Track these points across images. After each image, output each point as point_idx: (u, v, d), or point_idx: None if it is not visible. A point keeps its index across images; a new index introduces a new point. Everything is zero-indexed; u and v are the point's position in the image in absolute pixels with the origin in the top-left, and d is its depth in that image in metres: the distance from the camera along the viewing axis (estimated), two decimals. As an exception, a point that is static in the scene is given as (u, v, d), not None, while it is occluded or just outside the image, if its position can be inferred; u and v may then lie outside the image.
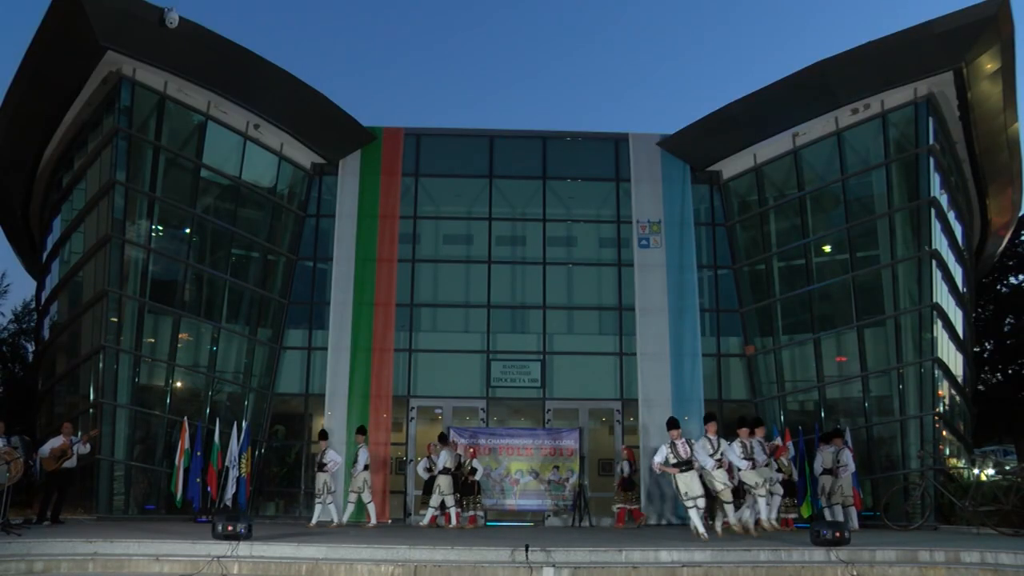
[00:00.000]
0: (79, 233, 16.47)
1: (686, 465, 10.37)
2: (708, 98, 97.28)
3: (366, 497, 13.62)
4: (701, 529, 10.09)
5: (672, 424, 10.99)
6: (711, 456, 10.60)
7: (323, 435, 14.18)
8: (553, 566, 8.30)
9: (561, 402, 17.03)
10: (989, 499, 12.43)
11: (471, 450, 14.68)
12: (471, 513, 14.18)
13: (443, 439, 14.42)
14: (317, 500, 13.48)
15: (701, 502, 10.24)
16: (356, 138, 17.53)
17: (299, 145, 17.32)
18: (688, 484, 10.40)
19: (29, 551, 8.75)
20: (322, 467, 13.42)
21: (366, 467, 13.70)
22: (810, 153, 16.74)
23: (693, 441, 10.67)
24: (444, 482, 13.56)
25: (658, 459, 10.77)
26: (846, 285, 15.96)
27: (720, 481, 10.62)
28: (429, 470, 14.16)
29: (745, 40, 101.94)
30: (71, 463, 12.56)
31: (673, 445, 10.68)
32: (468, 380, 17.05)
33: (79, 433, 13.16)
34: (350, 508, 13.97)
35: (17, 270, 43.82)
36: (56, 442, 12.41)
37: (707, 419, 11.23)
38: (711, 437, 10.79)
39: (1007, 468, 15.69)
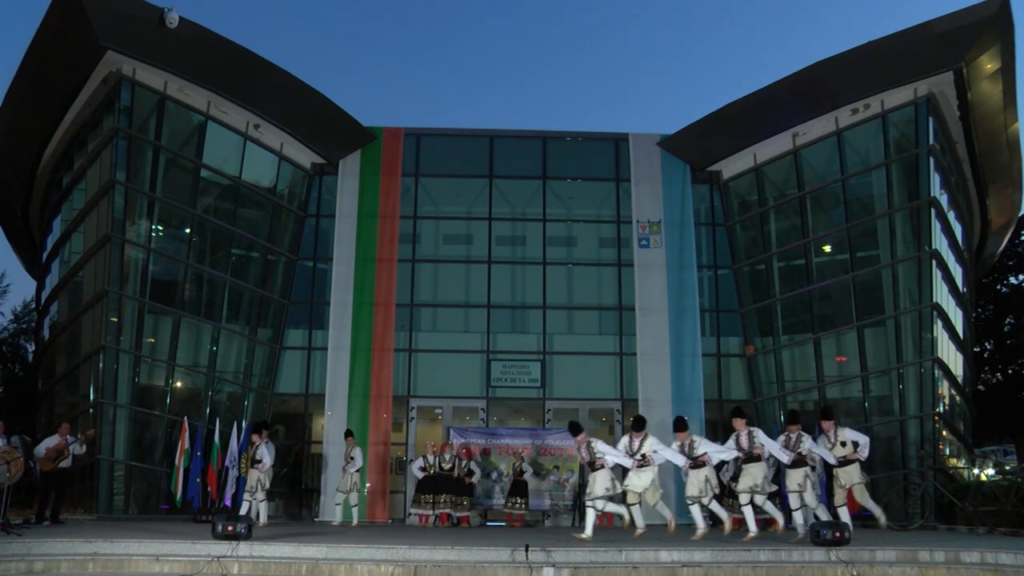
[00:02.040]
0: (79, 233, 16.48)
1: (591, 466, 10.37)
2: (708, 98, 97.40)
3: (259, 495, 12.99)
4: (588, 529, 9.96)
5: (573, 430, 10.68)
6: (631, 456, 10.16)
7: (258, 428, 13.64)
8: (553, 566, 8.30)
9: (561, 402, 17.03)
10: (989, 499, 12.43)
11: (464, 450, 14.65)
12: (464, 514, 14.22)
13: (349, 434, 14.19)
14: (248, 497, 12.92)
15: (599, 504, 10.08)
16: (356, 138, 17.54)
17: (299, 145, 17.32)
18: (589, 484, 10.41)
19: (29, 551, 8.74)
20: (255, 463, 12.96)
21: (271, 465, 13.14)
22: (810, 153, 16.75)
23: (594, 442, 10.36)
24: (356, 479, 13.75)
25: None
26: (846, 285, 15.97)
27: (632, 482, 10.21)
28: (424, 469, 14.16)
29: (745, 40, 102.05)
30: (67, 463, 12.53)
31: (579, 448, 10.62)
32: (468, 380, 17.05)
33: (77, 434, 13.15)
34: (338, 509, 14.01)
35: (17, 270, 43.85)
36: (51, 441, 12.36)
37: (676, 426, 10.62)
38: (636, 438, 10.27)
39: (1007, 468, 15.70)
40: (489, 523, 15.52)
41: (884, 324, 15.45)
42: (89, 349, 15.07)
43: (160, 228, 15.70)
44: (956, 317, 16.40)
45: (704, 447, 10.23)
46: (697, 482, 10.18)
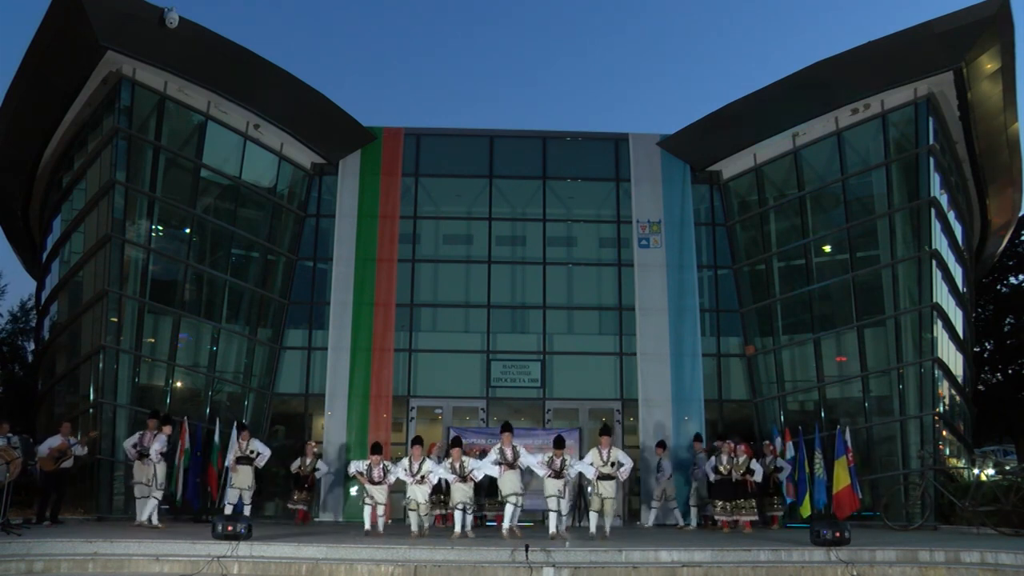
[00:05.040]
0: (79, 233, 16.47)
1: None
2: (708, 98, 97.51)
3: (157, 494, 12.07)
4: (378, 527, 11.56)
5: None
6: (412, 474, 11.62)
7: (163, 418, 12.67)
8: (553, 566, 8.31)
9: (561, 402, 17.02)
10: (989, 499, 12.43)
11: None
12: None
13: (241, 427, 13.58)
14: (144, 495, 12.06)
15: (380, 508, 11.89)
16: (356, 138, 17.53)
17: (299, 145, 17.31)
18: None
19: (29, 551, 8.75)
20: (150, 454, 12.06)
21: (162, 455, 12.13)
22: (810, 153, 16.74)
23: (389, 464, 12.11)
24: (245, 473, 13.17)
25: None
26: (846, 285, 15.96)
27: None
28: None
29: (745, 40, 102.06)
30: (68, 463, 12.52)
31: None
32: (468, 380, 17.03)
33: (78, 435, 13.13)
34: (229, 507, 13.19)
35: (15, 270, 43.92)
36: (54, 442, 12.35)
37: (558, 442, 11.77)
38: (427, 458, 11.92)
39: (1007, 468, 15.68)
40: (489, 523, 15.50)
41: (884, 324, 15.44)
42: (89, 349, 15.06)
43: (160, 228, 15.69)
44: (956, 317, 16.40)
45: (470, 464, 11.65)
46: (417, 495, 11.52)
